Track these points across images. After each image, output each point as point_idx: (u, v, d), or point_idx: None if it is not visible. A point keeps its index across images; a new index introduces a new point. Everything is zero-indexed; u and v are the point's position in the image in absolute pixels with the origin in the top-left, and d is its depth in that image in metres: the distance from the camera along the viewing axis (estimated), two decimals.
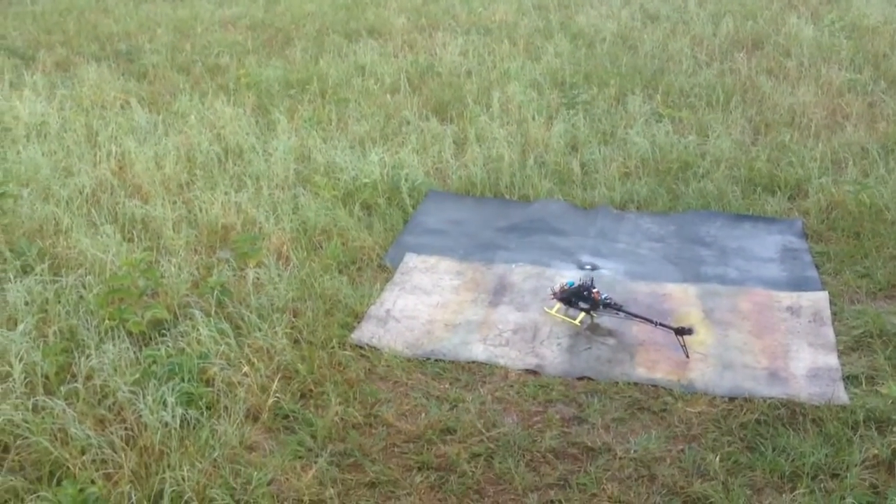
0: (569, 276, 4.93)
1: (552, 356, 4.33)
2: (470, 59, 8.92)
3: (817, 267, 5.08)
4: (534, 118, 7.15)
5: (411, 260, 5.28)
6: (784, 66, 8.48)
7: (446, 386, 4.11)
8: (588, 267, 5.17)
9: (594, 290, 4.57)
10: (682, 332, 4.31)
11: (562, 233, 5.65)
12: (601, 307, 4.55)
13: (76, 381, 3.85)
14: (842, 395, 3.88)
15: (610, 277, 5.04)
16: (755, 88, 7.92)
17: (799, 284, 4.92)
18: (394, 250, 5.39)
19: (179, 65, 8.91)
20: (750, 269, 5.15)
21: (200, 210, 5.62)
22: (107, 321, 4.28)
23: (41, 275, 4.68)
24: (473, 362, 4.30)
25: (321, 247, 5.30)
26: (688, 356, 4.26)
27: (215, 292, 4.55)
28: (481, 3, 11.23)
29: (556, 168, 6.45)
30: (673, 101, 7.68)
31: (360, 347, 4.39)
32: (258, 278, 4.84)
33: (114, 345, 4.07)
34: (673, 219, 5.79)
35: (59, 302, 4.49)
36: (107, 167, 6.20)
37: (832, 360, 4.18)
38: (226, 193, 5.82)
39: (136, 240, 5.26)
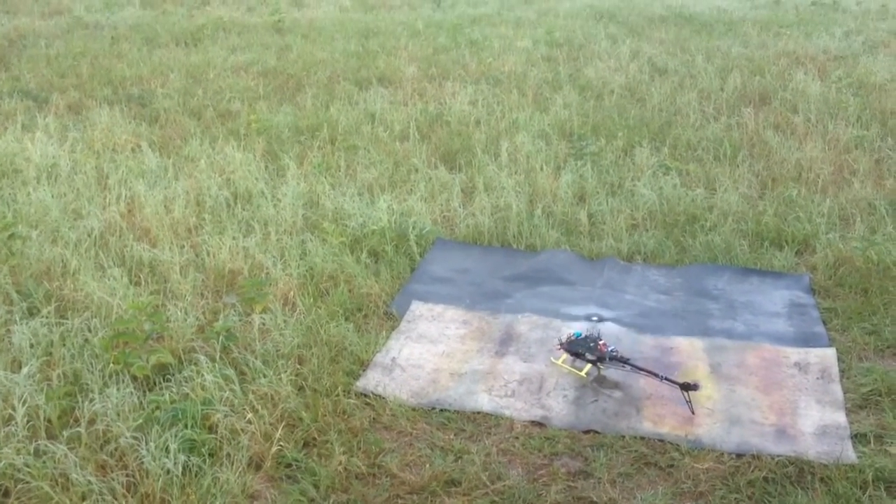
0: (576, 327, 4.92)
1: (558, 408, 4.30)
2: (479, 108, 8.99)
3: (825, 323, 5.05)
4: (542, 168, 7.19)
5: (418, 308, 5.27)
6: (791, 121, 8.53)
7: (451, 436, 4.07)
8: (595, 318, 5.15)
9: (601, 342, 4.55)
10: (687, 387, 4.28)
11: (569, 283, 5.65)
12: (607, 359, 4.53)
13: (79, 425, 3.82)
14: (850, 454, 3.84)
15: (616, 329, 5.02)
16: (762, 143, 7.96)
17: (807, 340, 4.89)
18: (400, 298, 5.38)
19: (191, 109, 9.00)
20: (757, 324, 5.12)
21: (208, 254, 5.64)
22: (111, 365, 4.27)
23: (47, 317, 4.68)
24: (479, 413, 4.27)
25: (328, 293, 5.30)
26: (693, 412, 4.22)
27: (221, 337, 4.54)
28: (491, 54, 11.36)
29: (564, 218, 6.46)
30: (680, 154, 7.71)
31: (365, 396, 4.36)
32: (264, 324, 4.84)
33: (118, 389, 4.05)
34: (680, 271, 5.78)
35: (64, 345, 4.48)
36: (116, 210, 6.23)
37: (840, 417, 4.15)
38: (234, 238, 5.84)
39: (143, 283, 5.26)
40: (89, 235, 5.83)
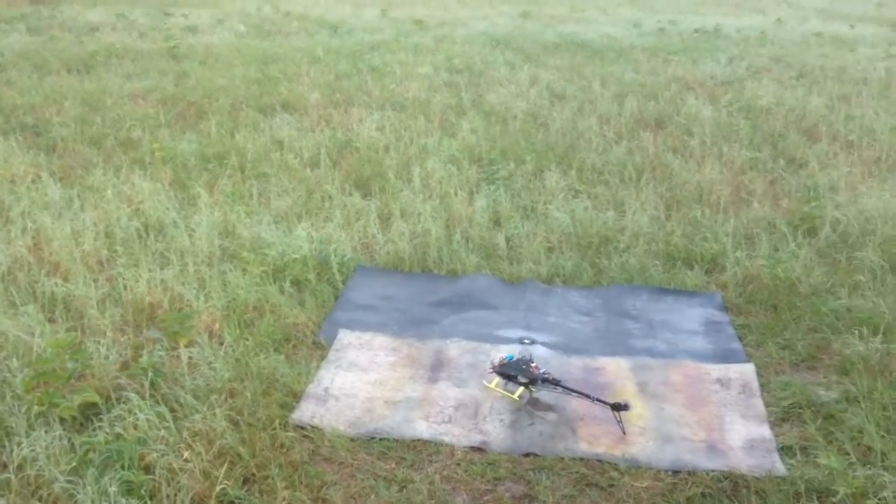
0: (506, 350, 4.98)
1: (496, 433, 4.34)
2: (387, 134, 9.03)
3: (740, 339, 5.27)
4: (456, 193, 7.27)
5: (345, 336, 5.24)
6: (688, 144, 8.89)
7: (393, 466, 4.06)
8: (526, 341, 5.23)
9: (532, 365, 4.62)
10: (618, 407, 4.39)
11: (492, 307, 5.72)
12: (539, 382, 4.60)
13: (8, 471, 3.65)
14: (780, 467, 4.01)
15: (544, 351, 5.11)
16: (663, 166, 8.26)
17: (725, 356, 5.09)
18: (327, 326, 5.34)
19: (90, 138, 8.73)
20: (677, 342, 5.30)
21: (125, 288, 5.47)
22: (36, 406, 4.09)
23: None
24: (418, 440, 4.27)
25: (253, 324, 5.21)
26: (624, 432, 4.32)
27: (149, 374, 4.41)
28: (393, 80, 11.43)
29: (482, 242, 6.55)
30: (588, 178, 7.93)
31: (302, 428, 4.30)
32: (191, 358, 4.72)
33: (45, 432, 3.89)
34: (599, 292, 5.93)
35: None
36: (22, 244, 5.98)
37: (765, 431, 4.33)
38: (150, 270, 5.68)
39: (58, 319, 5.07)
40: None
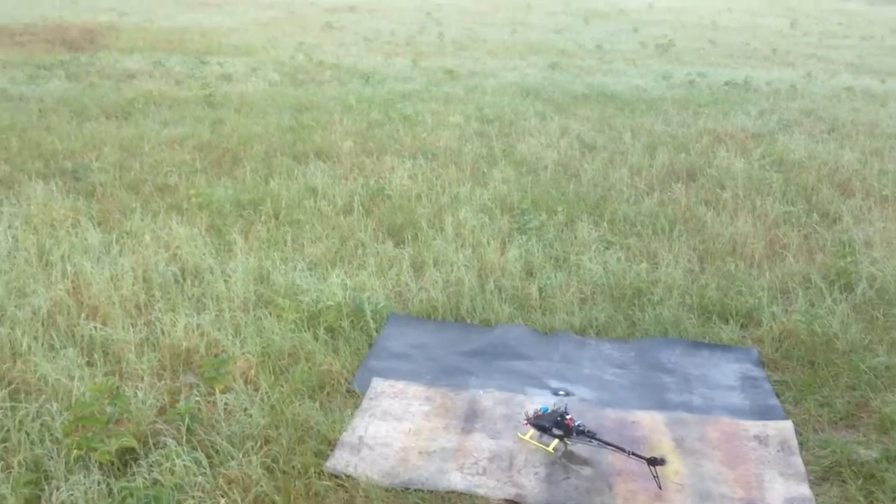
0: (540, 401, 4.96)
1: (531, 486, 4.31)
2: (419, 182, 9.10)
3: (778, 395, 5.22)
4: (488, 243, 7.31)
5: (379, 385, 5.25)
6: (720, 197, 8.88)
7: None
8: (561, 393, 5.21)
9: (568, 417, 4.60)
10: (654, 462, 4.35)
11: (526, 358, 5.71)
12: (574, 434, 4.57)
13: None
14: None
15: (578, 404, 5.08)
16: (695, 218, 8.25)
17: (762, 413, 5.04)
18: (361, 374, 5.36)
19: (128, 183, 8.87)
20: (713, 397, 5.26)
21: (162, 332, 5.52)
22: (74, 450, 4.12)
23: (1, 401, 4.50)
24: (452, 492, 4.25)
25: (288, 371, 5.24)
26: (660, 487, 4.28)
27: (186, 419, 4.43)
28: (425, 129, 11.55)
29: (515, 293, 6.55)
30: (619, 229, 7.94)
31: (336, 477, 4.30)
32: (227, 404, 4.75)
33: (84, 476, 3.91)
34: (633, 345, 5.91)
35: (20, 430, 4.31)
36: (62, 287, 6.07)
37: (805, 490, 4.27)
38: (187, 315, 5.74)
39: (97, 363, 5.12)
40: (36, 314, 5.66)
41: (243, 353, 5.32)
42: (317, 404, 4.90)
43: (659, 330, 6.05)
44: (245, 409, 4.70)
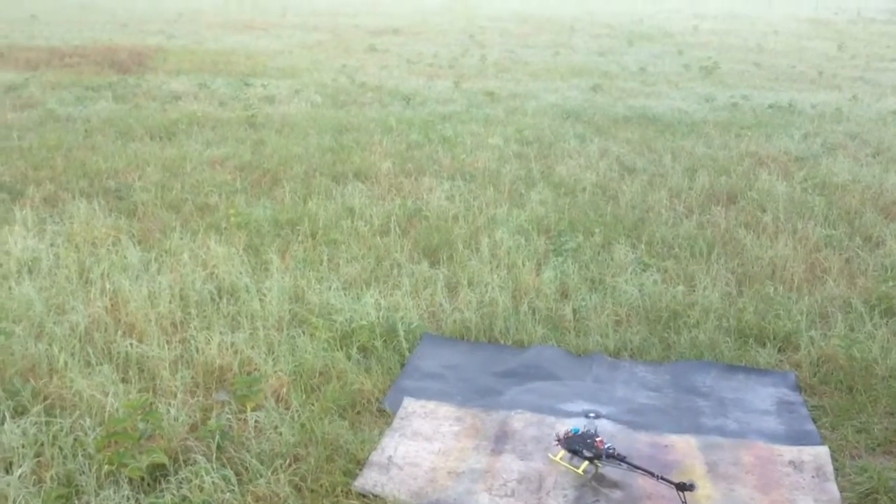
0: (571, 423, 4.92)
1: None
2: (456, 203, 9.12)
3: (814, 421, 5.12)
4: (523, 264, 7.29)
5: (410, 405, 5.25)
6: (760, 220, 8.76)
7: None
8: (591, 415, 5.16)
9: (598, 439, 4.56)
10: (683, 487, 4.28)
11: (559, 379, 5.67)
12: (605, 457, 4.53)
13: None
14: None
15: (610, 426, 5.03)
16: (735, 241, 8.15)
17: (798, 438, 4.95)
18: (392, 394, 5.36)
19: (169, 203, 9.01)
20: (749, 422, 5.18)
21: (197, 350, 5.58)
22: (105, 465, 4.17)
23: (37, 416, 4.58)
24: None
25: (319, 389, 5.26)
26: None
27: (216, 436, 4.47)
28: (464, 150, 11.58)
29: (549, 314, 6.53)
30: (657, 251, 7.87)
31: (364, 496, 4.30)
32: (258, 422, 4.78)
33: (114, 491, 3.96)
34: (667, 368, 5.84)
35: (54, 445, 4.38)
36: (100, 305, 6.17)
37: None
38: (221, 333, 5.80)
39: (132, 380, 5.19)
40: (74, 331, 5.75)
41: (275, 372, 5.36)
42: (347, 423, 4.91)
43: (694, 353, 5.98)
44: (275, 427, 4.73)
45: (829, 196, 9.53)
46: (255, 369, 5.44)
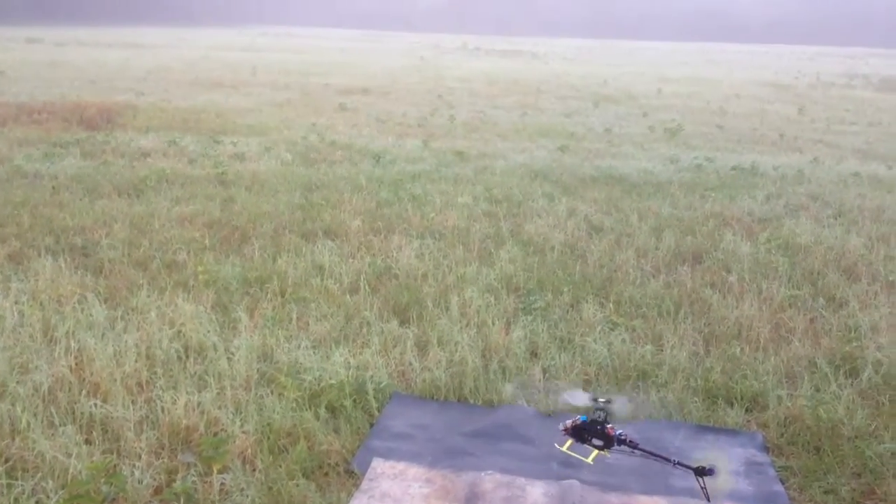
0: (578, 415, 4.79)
1: None
2: (426, 262, 9.14)
3: (782, 482, 5.14)
4: (493, 323, 7.31)
5: (379, 466, 5.20)
6: (726, 280, 8.88)
7: None
8: (602, 400, 5.09)
9: (608, 426, 4.48)
10: (701, 472, 4.23)
11: (529, 440, 5.65)
12: (615, 443, 4.45)
13: None
14: None
15: (579, 487, 5.00)
16: (701, 301, 8.24)
17: (767, 499, 4.96)
18: (361, 454, 5.31)
19: (136, 260, 8.94)
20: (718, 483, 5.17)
21: (162, 410, 5.50)
22: None
23: None
24: None
25: (287, 450, 5.20)
26: (708, 499, 4.15)
27: (181, 500, 4.39)
28: (433, 209, 11.64)
29: (519, 373, 6.53)
30: (625, 310, 7.93)
31: None
32: (224, 484, 4.70)
33: None
34: (637, 427, 5.83)
35: None
36: (65, 364, 6.07)
37: None
38: (188, 393, 5.72)
39: (95, 441, 5.09)
40: (37, 390, 5.65)
41: (243, 432, 5.30)
42: (314, 485, 4.85)
43: (663, 413, 6.00)
44: (242, 490, 4.66)
45: (793, 257, 9.69)
46: (221, 430, 5.37)
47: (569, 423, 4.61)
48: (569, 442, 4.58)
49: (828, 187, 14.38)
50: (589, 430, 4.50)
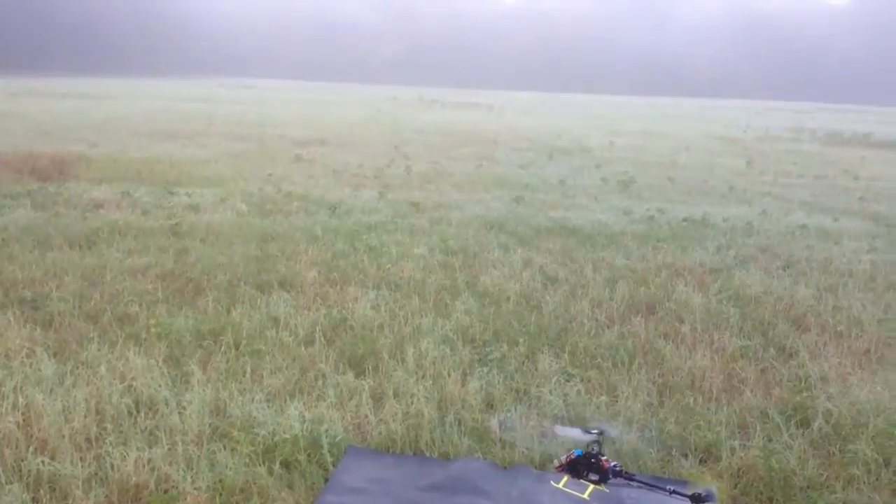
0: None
1: None
2: (382, 313, 9.13)
3: None
4: (449, 374, 7.30)
5: None
6: (679, 330, 8.98)
7: None
8: (595, 431, 5.05)
9: (603, 458, 4.45)
10: (697, 499, 4.22)
11: (484, 493, 5.62)
12: (611, 475, 4.42)
13: None
14: None
15: None
16: (655, 351, 8.32)
17: None
18: None
19: (87, 313, 8.81)
20: None
21: (112, 467, 5.40)
22: None
23: None
24: None
25: None
26: None
27: None
28: (389, 260, 11.65)
29: (475, 425, 6.52)
30: (580, 361, 7.97)
31: None
32: None
33: None
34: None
35: None
36: (12, 420, 5.94)
37: None
38: (138, 449, 5.62)
39: (43, 500, 4.97)
40: None
41: (195, 489, 5.21)
42: None
43: (619, 465, 6.00)
44: None
45: (744, 307, 9.84)
46: (172, 487, 5.28)
47: (563, 458, 4.59)
48: (565, 479, 4.56)
49: (776, 239, 14.67)
50: (584, 464, 4.47)
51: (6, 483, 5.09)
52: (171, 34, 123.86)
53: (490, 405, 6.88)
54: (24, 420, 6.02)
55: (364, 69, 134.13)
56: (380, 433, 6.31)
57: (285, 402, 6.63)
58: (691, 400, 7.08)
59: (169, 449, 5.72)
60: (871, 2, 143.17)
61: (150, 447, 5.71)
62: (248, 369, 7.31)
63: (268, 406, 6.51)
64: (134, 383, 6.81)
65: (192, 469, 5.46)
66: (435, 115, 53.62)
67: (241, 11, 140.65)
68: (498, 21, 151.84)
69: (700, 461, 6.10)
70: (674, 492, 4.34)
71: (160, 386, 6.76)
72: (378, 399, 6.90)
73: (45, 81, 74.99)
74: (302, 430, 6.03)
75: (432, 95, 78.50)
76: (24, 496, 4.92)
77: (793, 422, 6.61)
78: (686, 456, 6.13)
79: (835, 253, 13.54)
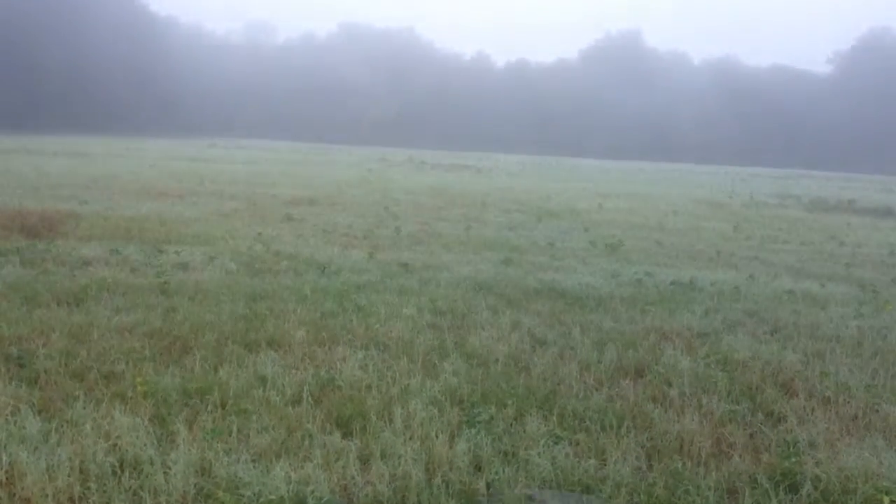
0: None
1: None
2: (370, 373, 9.11)
3: None
4: (437, 436, 7.27)
5: None
6: (667, 394, 8.98)
7: None
8: None
9: None
10: None
11: None
12: None
13: None
14: None
15: None
16: (643, 415, 8.31)
17: None
18: None
19: (73, 371, 8.76)
20: None
21: None
22: None
23: None
24: None
25: None
26: None
27: None
28: (378, 320, 11.65)
29: (462, 487, 6.48)
30: (568, 424, 7.95)
31: None
32: None
33: None
34: None
35: None
36: None
37: None
38: None
39: None
40: None
41: None
42: None
43: None
44: None
45: (731, 372, 9.86)
46: None
47: None
48: None
49: (763, 304, 14.75)
50: None
51: None
52: (162, 94, 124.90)
53: (478, 467, 6.84)
54: (7, 478, 5.96)
55: (354, 130, 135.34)
56: (366, 495, 6.26)
57: (271, 462, 6.58)
58: (680, 464, 7.06)
59: None
60: (854, 72, 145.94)
61: None
62: (235, 429, 7.26)
63: (254, 466, 6.46)
64: (119, 442, 6.76)
65: None
66: (424, 176, 54.05)
67: (234, 72, 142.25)
68: (488, 84, 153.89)
69: None
70: None
71: (145, 445, 6.70)
72: (365, 460, 6.86)
73: (36, 139, 75.33)
74: (288, 492, 5.98)
75: (422, 157, 79.19)
76: None
77: (781, 488, 6.59)
78: None
79: (822, 318, 13.61)
